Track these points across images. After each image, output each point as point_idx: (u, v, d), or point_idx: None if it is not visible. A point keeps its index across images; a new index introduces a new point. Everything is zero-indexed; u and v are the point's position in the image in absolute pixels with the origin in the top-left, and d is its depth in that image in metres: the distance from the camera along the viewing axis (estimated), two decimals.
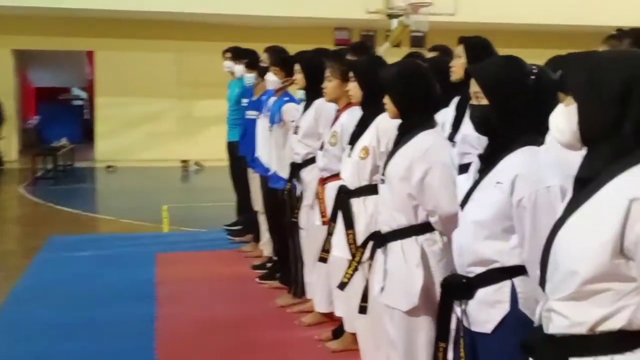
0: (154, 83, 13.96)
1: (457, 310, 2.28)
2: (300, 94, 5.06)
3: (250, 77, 5.70)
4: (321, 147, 3.99)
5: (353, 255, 3.24)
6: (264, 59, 5.46)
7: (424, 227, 2.80)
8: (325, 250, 3.66)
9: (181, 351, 4.03)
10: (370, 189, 3.35)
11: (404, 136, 2.84)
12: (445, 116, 3.59)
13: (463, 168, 2.85)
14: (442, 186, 2.69)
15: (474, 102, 2.22)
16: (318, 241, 4.30)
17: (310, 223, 4.38)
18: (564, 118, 1.60)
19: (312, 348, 4.08)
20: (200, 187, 11.71)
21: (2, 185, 11.71)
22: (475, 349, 2.20)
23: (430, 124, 2.84)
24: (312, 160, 4.38)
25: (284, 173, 4.78)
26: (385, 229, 2.89)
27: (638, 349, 1.49)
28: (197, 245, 6.61)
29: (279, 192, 4.86)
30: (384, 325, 3.07)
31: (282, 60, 4.88)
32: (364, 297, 3.02)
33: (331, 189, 3.93)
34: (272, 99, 5.12)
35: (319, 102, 4.32)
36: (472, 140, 3.43)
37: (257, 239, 6.30)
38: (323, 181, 3.99)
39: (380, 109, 3.32)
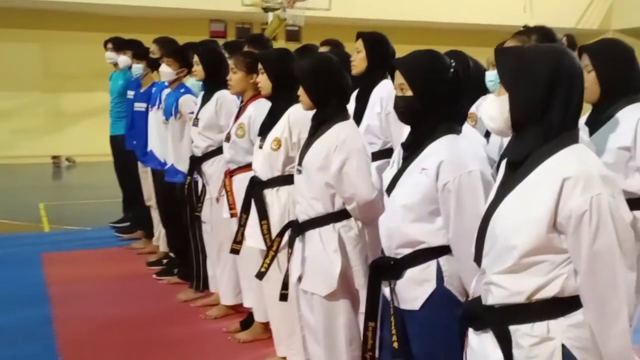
0: (18, 75, 13.15)
1: (385, 290, 2.41)
2: (190, 83, 5.02)
3: (138, 68, 5.55)
4: (227, 139, 3.99)
5: (270, 246, 3.28)
6: (154, 50, 5.37)
7: (341, 215, 2.91)
8: (238, 241, 3.68)
9: (86, 352, 3.91)
10: (282, 180, 3.41)
11: (319, 127, 2.93)
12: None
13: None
14: (360, 175, 2.81)
15: (398, 93, 2.34)
16: (224, 234, 4.32)
17: (214, 216, 4.38)
18: (496, 107, 1.75)
19: (222, 340, 4.09)
20: (75, 184, 11.21)
21: None
22: (405, 325, 2.34)
23: (344, 115, 2.94)
24: (213, 153, 4.38)
25: (183, 166, 4.74)
26: (302, 217, 2.97)
27: (569, 314, 1.68)
28: (84, 244, 6.36)
29: (178, 186, 4.81)
30: (303, 312, 3.16)
31: (176, 51, 4.81)
32: (285, 285, 3.08)
33: (239, 181, 3.95)
34: (166, 91, 5.04)
35: (220, 94, 4.31)
36: (375, 130, 3.59)
37: (148, 235, 6.19)
38: (230, 173, 4.00)
39: (291, 101, 3.40)
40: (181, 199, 4.73)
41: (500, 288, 1.72)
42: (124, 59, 6.11)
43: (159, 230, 5.81)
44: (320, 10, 13.08)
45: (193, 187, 4.59)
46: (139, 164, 5.85)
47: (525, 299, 1.69)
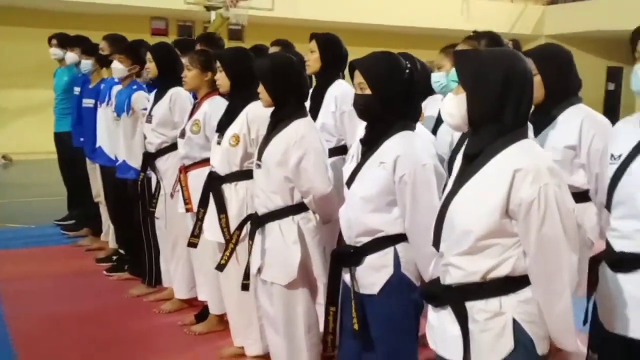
0: None
1: (346, 277, 2.56)
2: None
3: (87, 64, 5.54)
4: (182, 136, 4.06)
5: (229, 239, 3.38)
6: (103, 47, 5.37)
7: (299, 207, 3.04)
8: (195, 235, 3.76)
9: (43, 348, 3.91)
10: (241, 175, 3.51)
11: (278, 124, 3.05)
12: None
13: None
14: (316, 170, 2.95)
15: (358, 91, 2.50)
16: (178, 229, 4.40)
17: (168, 212, 4.44)
18: (454, 105, 1.92)
19: (178, 333, 4.16)
20: (13, 182, 10.93)
21: None
22: (364, 309, 2.49)
23: (302, 112, 3.07)
24: (166, 150, 4.44)
25: (135, 162, 4.78)
26: (262, 210, 3.09)
27: (519, 291, 1.86)
28: (29, 242, 6.28)
29: (129, 182, 4.85)
30: (261, 303, 3.28)
31: (128, 48, 4.84)
32: (246, 275, 3.19)
33: (194, 177, 4.04)
34: (116, 88, 5.06)
35: (173, 91, 4.37)
36: (330, 128, 3.74)
37: (95, 231, 6.17)
38: (185, 169, 4.08)
39: (248, 98, 3.52)
40: (133, 195, 4.77)
41: (458, 269, 1.89)
42: (71, 56, 6.08)
43: (108, 226, 5.82)
44: (263, 10, 13.17)
45: (146, 183, 4.65)
46: (88, 161, 5.83)
47: (480, 278, 1.86)
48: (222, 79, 3.55)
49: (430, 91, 3.77)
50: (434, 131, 3.33)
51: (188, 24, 14.51)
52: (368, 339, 2.49)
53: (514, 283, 1.86)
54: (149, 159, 4.51)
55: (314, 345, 3.17)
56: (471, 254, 1.86)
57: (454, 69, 2.81)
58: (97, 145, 5.33)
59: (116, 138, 5.00)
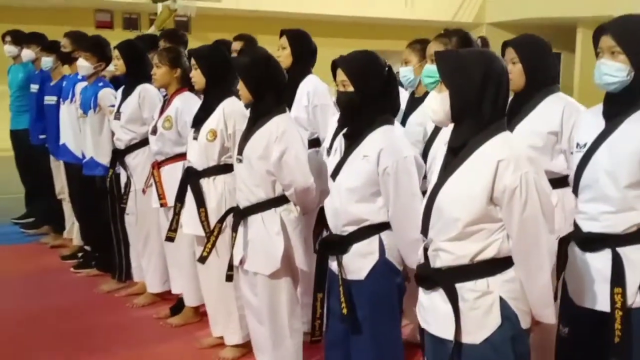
0: None
1: (332, 264, 2.70)
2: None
3: (48, 61, 5.51)
4: (154, 132, 4.12)
5: (211, 231, 3.47)
6: (65, 44, 5.35)
7: (281, 199, 3.16)
8: (173, 229, 3.84)
9: (15, 345, 3.92)
10: (218, 169, 3.61)
11: (258, 119, 3.16)
12: None
13: None
14: (298, 163, 3.07)
15: (340, 89, 2.63)
16: (150, 224, 4.47)
17: (139, 207, 4.49)
18: (438, 102, 2.07)
19: (154, 326, 4.24)
20: None
21: None
22: (351, 294, 2.64)
23: (282, 108, 3.19)
24: (136, 146, 4.49)
25: (103, 159, 4.81)
26: (244, 203, 3.20)
27: (504, 271, 2.04)
28: None
29: (97, 179, 4.87)
30: (244, 293, 3.39)
31: (94, 45, 4.85)
32: (230, 267, 3.29)
33: (167, 172, 4.11)
34: (80, 85, 5.06)
35: (142, 87, 4.42)
36: (303, 122, 3.86)
37: (56, 229, 6.15)
38: (158, 165, 4.14)
39: (224, 94, 3.62)
40: (102, 192, 4.80)
41: (448, 253, 2.06)
42: (27, 53, 6.03)
43: (72, 223, 5.82)
44: (211, 2, 13.14)
45: (114, 180, 4.69)
46: (51, 158, 5.80)
47: (468, 261, 2.03)
48: (197, 76, 3.62)
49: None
50: (402, 123, 3.49)
51: (134, 16, 14.31)
52: (355, 321, 2.65)
53: (499, 264, 2.04)
54: (118, 155, 4.55)
55: (297, 332, 3.30)
56: (460, 239, 2.03)
57: (427, 66, 2.98)
58: (61, 142, 5.31)
59: (82, 135, 5.01)
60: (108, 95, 4.74)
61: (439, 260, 2.09)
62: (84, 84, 5.02)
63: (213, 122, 3.58)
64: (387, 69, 2.66)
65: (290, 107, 3.86)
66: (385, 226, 2.62)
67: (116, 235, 4.86)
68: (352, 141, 2.65)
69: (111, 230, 4.87)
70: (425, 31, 17.45)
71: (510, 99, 2.22)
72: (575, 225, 2.42)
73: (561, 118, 2.76)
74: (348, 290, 2.64)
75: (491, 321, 2.02)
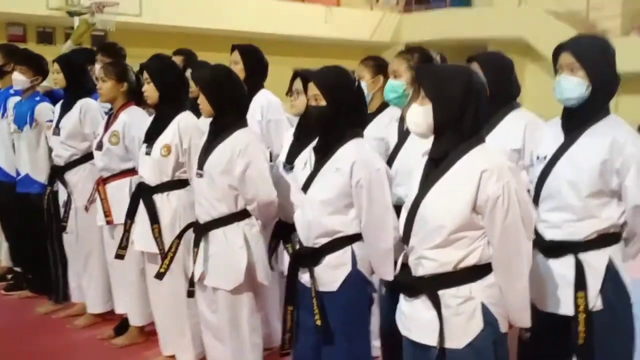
0: None
1: (304, 277, 2.73)
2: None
3: None
4: (99, 148, 4.02)
5: (169, 248, 3.41)
6: None
7: (243, 214, 3.16)
8: (123, 247, 3.75)
9: None
10: (172, 185, 3.56)
11: (219, 133, 3.15)
12: None
13: None
14: (261, 177, 3.08)
15: (312, 103, 2.68)
16: (91, 243, 4.35)
17: (79, 225, 4.36)
18: (420, 114, 2.15)
19: (99, 347, 4.11)
20: None
21: None
22: (324, 305, 2.67)
23: (243, 122, 3.19)
24: (76, 162, 4.36)
25: (40, 176, 4.65)
26: (205, 218, 3.17)
27: (485, 277, 2.13)
28: None
29: (33, 197, 4.69)
30: (201, 310, 3.35)
31: (30, 59, 4.69)
32: (191, 283, 3.25)
33: (113, 189, 4.02)
34: (13, 100, 4.88)
35: (83, 102, 4.31)
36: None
37: None
38: (104, 181, 4.04)
39: (177, 108, 3.59)
40: (38, 210, 4.62)
41: (431, 260, 2.13)
42: None
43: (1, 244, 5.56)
44: (130, 16, 12.90)
45: (51, 197, 4.53)
46: None
47: (452, 268, 2.11)
48: (150, 90, 3.57)
49: None
50: None
51: (48, 30, 13.89)
52: (328, 332, 2.67)
53: (480, 270, 2.12)
54: (58, 172, 4.40)
55: (257, 347, 3.29)
56: (443, 247, 2.10)
57: (390, 82, 3.06)
58: None
59: (16, 151, 4.81)
60: (46, 110, 4.60)
61: (422, 268, 2.16)
62: (17, 98, 4.84)
63: (167, 137, 3.54)
64: (357, 83, 2.72)
65: None
66: (357, 237, 2.67)
67: (53, 255, 4.68)
68: (323, 154, 2.69)
69: (47, 250, 4.70)
70: (344, 49, 18.03)
71: None
72: (537, 233, 2.55)
73: (523, 135, 2.87)
74: (320, 301, 2.66)
75: (474, 326, 2.11)
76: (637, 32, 13.61)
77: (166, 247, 3.49)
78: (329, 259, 2.67)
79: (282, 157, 3.36)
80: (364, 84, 3.61)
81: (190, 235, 3.39)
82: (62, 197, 4.42)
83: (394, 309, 2.84)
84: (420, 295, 2.17)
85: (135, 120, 3.96)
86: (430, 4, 17.57)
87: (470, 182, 2.07)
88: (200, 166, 3.17)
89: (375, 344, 3.11)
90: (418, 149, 2.81)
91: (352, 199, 2.63)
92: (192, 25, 14.05)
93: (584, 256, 2.43)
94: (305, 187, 2.70)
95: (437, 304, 2.12)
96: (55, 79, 4.37)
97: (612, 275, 2.42)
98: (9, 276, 5.29)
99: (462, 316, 2.11)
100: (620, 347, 2.46)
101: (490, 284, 2.13)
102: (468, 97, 2.11)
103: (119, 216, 3.95)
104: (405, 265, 2.25)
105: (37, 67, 4.67)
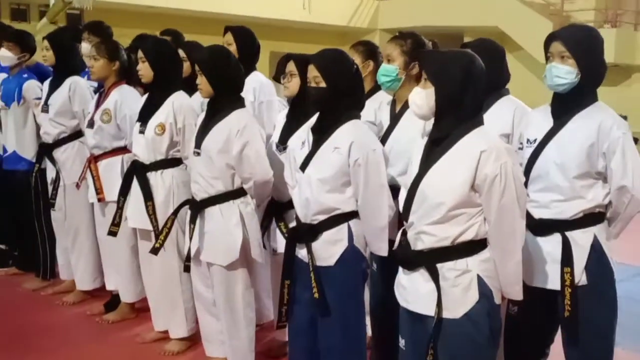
0: None
1: (301, 252, 2.82)
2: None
3: None
4: (91, 126, 4.05)
5: (164, 224, 3.47)
6: None
7: (239, 192, 3.24)
8: (115, 224, 3.80)
9: None
10: (166, 163, 3.62)
11: (217, 113, 3.21)
12: None
13: None
14: (258, 157, 3.16)
15: (312, 84, 2.76)
16: (80, 220, 4.39)
17: (68, 203, 4.40)
18: (423, 97, 2.25)
19: (90, 323, 4.16)
20: None
21: None
22: (320, 279, 2.77)
23: (241, 102, 3.26)
24: (65, 140, 4.39)
25: (27, 154, 4.66)
26: (202, 195, 3.24)
27: (481, 252, 2.24)
28: None
29: (19, 174, 4.70)
30: (196, 286, 3.44)
31: (17, 36, 4.68)
32: (187, 258, 3.32)
33: (105, 166, 4.06)
34: None
35: (72, 80, 4.34)
36: None
37: None
38: (95, 159, 4.07)
39: (172, 88, 3.64)
40: (25, 187, 4.64)
41: (430, 235, 2.23)
42: None
43: None
44: None
45: (39, 175, 4.55)
46: None
47: (450, 243, 2.22)
48: (145, 69, 3.61)
49: None
50: None
51: (22, 7, 13.65)
52: (324, 305, 2.77)
53: (477, 245, 2.24)
54: (46, 149, 4.42)
55: (251, 321, 3.38)
56: (442, 222, 2.21)
57: (383, 65, 3.14)
58: None
59: (2, 128, 4.81)
60: (34, 87, 4.61)
61: (421, 243, 2.27)
62: (3, 75, 4.83)
63: (162, 115, 3.59)
64: (355, 67, 2.81)
65: None
66: (353, 215, 2.77)
67: (40, 232, 4.72)
68: (321, 134, 2.77)
69: (34, 227, 4.72)
70: (322, 34, 18.01)
71: None
72: (526, 213, 2.66)
73: (512, 121, 3.01)
74: (317, 276, 2.76)
75: (470, 297, 2.22)
76: (611, 24, 13.88)
77: (160, 224, 3.56)
78: (326, 235, 2.76)
79: (275, 138, 3.43)
80: None
81: (183, 213, 3.48)
82: (50, 174, 4.45)
83: (383, 285, 2.99)
84: (419, 268, 2.28)
85: (127, 98, 4.00)
86: None
87: (470, 162, 2.17)
88: (198, 145, 3.23)
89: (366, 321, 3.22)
90: (409, 132, 2.95)
91: (349, 178, 2.72)
92: (167, 6, 13.94)
93: (571, 234, 2.56)
94: (304, 166, 2.78)
95: (435, 276, 2.23)
96: (44, 56, 4.38)
97: (596, 252, 2.56)
98: None
99: (458, 288, 2.22)
100: (603, 319, 2.61)
101: (485, 258, 2.25)
102: (469, 81, 2.21)
103: (111, 194, 4.00)
104: (401, 240, 2.36)
105: (25, 44, 4.66)
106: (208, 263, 3.30)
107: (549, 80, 2.58)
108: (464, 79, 2.20)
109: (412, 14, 16.17)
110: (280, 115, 3.62)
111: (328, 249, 2.76)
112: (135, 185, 3.67)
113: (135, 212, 3.67)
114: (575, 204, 2.56)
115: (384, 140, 3.16)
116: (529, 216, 2.61)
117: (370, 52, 3.60)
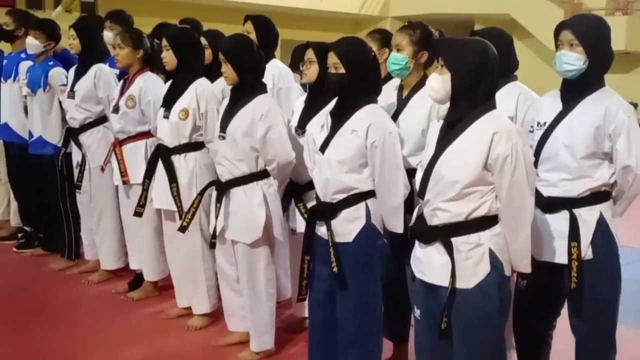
0: None
1: (321, 229, 2.98)
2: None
3: None
4: (115, 111, 4.21)
5: (192, 204, 3.64)
6: (8, 22, 5.26)
7: (263, 174, 3.40)
8: (141, 205, 3.97)
9: None
10: (190, 147, 3.78)
11: (240, 99, 3.36)
12: None
13: None
14: (281, 140, 3.31)
15: (332, 70, 2.90)
16: (104, 202, 4.58)
17: (93, 185, 4.57)
18: (440, 82, 2.39)
19: (115, 300, 4.35)
20: None
21: None
22: (339, 255, 2.93)
23: (263, 88, 3.41)
24: (91, 125, 4.56)
25: (52, 138, 4.83)
26: (227, 177, 3.41)
27: (493, 227, 2.39)
28: None
29: (45, 158, 4.88)
30: (220, 264, 3.61)
31: (43, 24, 4.84)
32: (214, 235, 3.48)
33: (130, 150, 4.23)
34: (25, 64, 5.03)
35: (97, 67, 4.50)
36: None
37: None
38: (120, 143, 4.24)
39: (195, 75, 3.79)
40: (51, 170, 4.82)
41: (445, 212, 2.39)
42: None
43: (6, 205, 5.74)
44: None
45: (64, 159, 4.72)
46: None
47: (464, 218, 2.37)
48: (169, 57, 3.77)
49: None
50: None
51: None
52: (343, 279, 2.93)
53: (489, 221, 2.39)
54: (72, 134, 4.59)
55: (272, 296, 3.55)
56: (457, 200, 2.36)
57: (392, 54, 3.26)
58: (2, 122, 5.24)
59: (29, 114, 4.98)
60: (59, 75, 4.77)
61: (436, 219, 2.42)
62: (29, 63, 5.00)
63: (185, 101, 3.75)
64: (372, 54, 2.96)
65: None
66: (370, 194, 2.92)
67: (65, 214, 4.89)
68: (340, 118, 2.92)
69: (59, 209, 4.90)
70: (333, 22, 18.10)
71: None
72: (536, 191, 2.81)
73: (516, 104, 3.16)
74: (336, 251, 2.92)
75: (482, 269, 2.37)
76: (622, 12, 13.91)
77: (184, 205, 3.74)
78: (345, 213, 2.91)
79: (294, 122, 3.58)
80: None
81: (206, 194, 3.65)
82: (75, 158, 4.62)
83: (392, 258, 3.12)
84: (434, 242, 2.44)
85: (151, 85, 4.16)
86: None
87: (483, 143, 2.32)
88: (223, 129, 3.39)
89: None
90: (417, 116, 3.11)
91: (367, 159, 2.87)
92: None
93: (578, 211, 2.71)
94: (323, 148, 2.93)
95: (449, 249, 2.38)
96: (70, 44, 4.54)
97: (602, 228, 2.70)
98: (20, 235, 5.48)
99: (471, 260, 2.37)
100: (607, 291, 2.75)
101: (497, 233, 2.40)
102: (483, 67, 2.35)
103: (135, 176, 4.18)
104: (419, 217, 2.51)
105: (51, 32, 4.82)
106: (232, 241, 3.47)
107: (558, 67, 2.72)
108: (479, 66, 2.34)
109: (423, 2, 16.24)
110: (298, 101, 3.78)
111: (347, 226, 2.92)
112: (160, 168, 3.84)
113: (160, 193, 3.84)
114: (582, 183, 2.70)
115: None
116: (538, 194, 2.75)
117: (386, 40, 3.72)
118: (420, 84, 3.18)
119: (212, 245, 3.50)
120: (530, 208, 2.39)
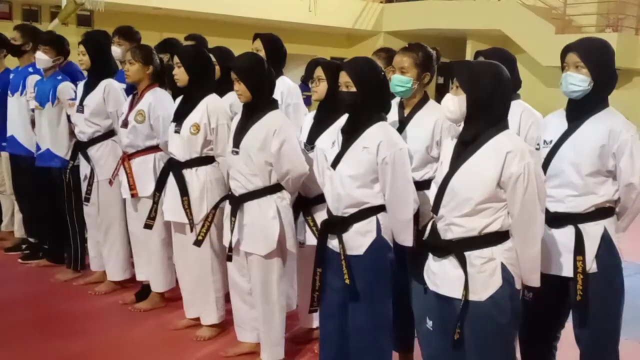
0: None
1: (332, 242, 3.07)
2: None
3: None
4: (125, 125, 4.29)
5: (205, 217, 3.71)
6: (16, 37, 5.34)
7: (276, 187, 3.48)
8: (151, 217, 4.05)
9: None
10: (201, 161, 3.86)
11: (253, 115, 3.46)
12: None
13: None
14: (295, 153, 3.40)
15: (343, 89, 3.01)
16: (112, 215, 4.64)
17: (101, 198, 4.63)
18: (455, 103, 2.49)
19: (122, 311, 4.40)
20: None
21: None
22: (351, 267, 3.01)
23: (275, 104, 3.51)
24: (99, 138, 4.64)
25: (60, 151, 4.90)
26: (240, 191, 3.49)
27: (505, 242, 2.49)
28: None
29: (53, 171, 4.94)
30: (232, 275, 3.68)
31: (53, 40, 4.92)
32: (230, 249, 3.55)
33: (138, 164, 4.30)
34: (33, 78, 5.11)
35: (106, 82, 4.58)
36: None
37: None
38: (129, 157, 4.32)
39: (206, 91, 3.88)
40: (58, 183, 4.89)
41: (459, 227, 2.49)
42: None
43: (10, 216, 5.80)
44: None
45: (72, 172, 4.79)
46: None
47: (477, 233, 2.47)
48: (180, 74, 3.85)
49: None
50: None
51: (34, 8, 13.92)
52: (354, 291, 3.02)
53: (501, 236, 2.49)
54: (81, 147, 4.66)
55: (283, 308, 3.63)
56: (470, 215, 2.46)
57: (395, 76, 3.33)
58: (9, 134, 5.30)
59: (37, 127, 5.05)
60: (68, 89, 4.84)
61: (450, 233, 2.52)
62: (36, 77, 5.08)
63: (196, 116, 3.83)
64: (382, 73, 3.06)
65: None
66: (381, 208, 3.02)
67: (72, 226, 4.95)
68: (351, 135, 3.02)
69: (64, 221, 4.96)
70: (327, 37, 18.25)
71: None
72: None
73: (519, 121, 3.29)
74: (348, 264, 3.00)
75: (494, 282, 2.47)
76: (612, 29, 14.15)
77: (194, 218, 3.82)
78: (357, 226, 3.01)
79: (303, 138, 3.68)
80: None
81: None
82: (84, 171, 4.69)
83: (399, 268, 3.19)
84: (448, 256, 2.53)
85: (160, 100, 4.25)
86: None
87: (497, 162, 2.42)
88: (237, 144, 3.46)
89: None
90: (420, 133, 3.21)
91: (378, 175, 2.97)
92: (175, 8, 14.20)
93: (583, 226, 2.82)
94: (334, 164, 3.03)
95: (463, 263, 2.48)
96: (80, 60, 4.61)
97: (606, 242, 2.81)
98: (24, 246, 5.53)
99: (484, 274, 2.47)
100: (612, 303, 2.86)
101: (509, 248, 2.50)
102: (497, 89, 2.46)
103: (143, 189, 4.26)
104: (431, 231, 2.61)
105: (60, 47, 4.90)
106: (246, 253, 3.54)
107: (564, 87, 2.83)
108: (494, 88, 2.46)
109: (416, 17, 16.46)
110: (306, 117, 3.88)
111: (358, 240, 3.01)
112: (170, 181, 3.92)
113: (171, 206, 3.92)
114: (587, 199, 2.81)
115: None
116: (545, 210, 2.87)
117: (392, 58, 3.82)
118: (422, 102, 3.31)
119: (229, 259, 3.56)
120: (540, 224, 2.49)
